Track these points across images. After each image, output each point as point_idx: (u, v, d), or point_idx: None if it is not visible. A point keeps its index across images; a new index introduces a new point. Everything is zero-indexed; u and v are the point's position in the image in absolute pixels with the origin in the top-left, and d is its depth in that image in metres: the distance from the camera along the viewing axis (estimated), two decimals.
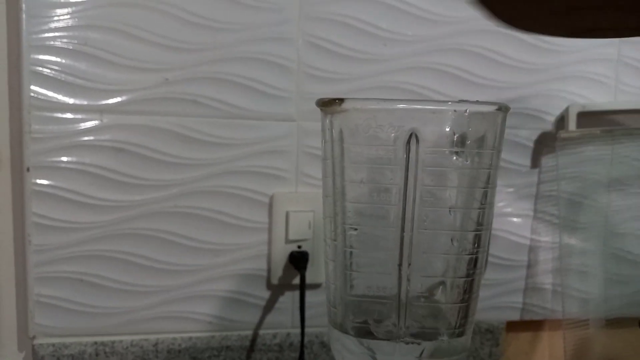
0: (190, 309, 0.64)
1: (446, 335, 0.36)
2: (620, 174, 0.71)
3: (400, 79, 0.67)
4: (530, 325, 0.77)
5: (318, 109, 0.37)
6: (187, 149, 0.62)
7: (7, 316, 0.61)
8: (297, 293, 0.66)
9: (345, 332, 0.37)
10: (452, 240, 0.35)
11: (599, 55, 0.73)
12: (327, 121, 0.36)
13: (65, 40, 0.58)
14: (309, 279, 0.64)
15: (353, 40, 0.65)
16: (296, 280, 0.65)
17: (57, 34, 0.58)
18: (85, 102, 0.59)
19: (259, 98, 0.63)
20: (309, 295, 0.65)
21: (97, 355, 0.61)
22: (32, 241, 0.59)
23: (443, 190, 0.34)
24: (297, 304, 0.64)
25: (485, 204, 0.35)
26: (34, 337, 0.61)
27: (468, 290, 0.36)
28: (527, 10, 0.25)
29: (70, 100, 0.59)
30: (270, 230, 0.65)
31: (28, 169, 0.58)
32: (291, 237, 0.64)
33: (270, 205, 0.65)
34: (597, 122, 0.72)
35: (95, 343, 0.61)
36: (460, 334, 0.36)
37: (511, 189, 0.72)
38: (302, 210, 0.64)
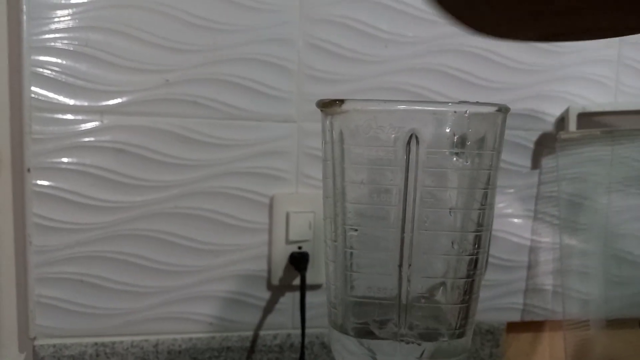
0: (190, 310, 0.64)
1: (446, 336, 0.36)
2: (621, 175, 0.71)
3: (401, 80, 0.67)
4: (530, 326, 0.77)
5: (318, 110, 0.37)
6: (187, 150, 0.62)
7: (8, 317, 0.61)
8: (297, 294, 0.66)
9: (346, 332, 0.37)
10: (452, 241, 0.35)
11: (600, 56, 0.73)
12: (328, 122, 0.36)
13: (65, 41, 0.58)
14: (309, 280, 0.64)
15: (353, 42, 0.65)
16: (297, 281, 0.65)
17: (57, 35, 0.58)
18: (85, 103, 0.59)
19: (260, 99, 0.63)
20: (310, 296, 0.65)
21: (97, 356, 0.61)
22: (33, 242, 0.59)
23: (443, 191, 0.34)
24: (298, 305, 0.64)
25: (486, 204, 0.35)
26: (34, 338, 0.61)
27: (468, 291, 0.36)
28: (499, 17, 0.25)
29: (71, 101, 0.59)
30: (270, 231, 0.65)
31: (29, 170, 0.58)
32: (291, 238, 0.64)
33: (271, 206, 0.65)
34: (598, 123, 0.72)
35: (96, 344, 0.61)
36: (461, 335, 0.36)
37: (511, 190, 0.72)
38: (302, 211, 0.64)
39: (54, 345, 0.60)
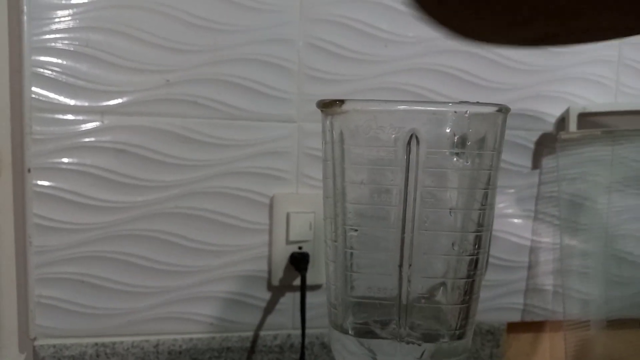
0: (191, 310, 0.64)
1: (447, 336, 0.36)
2: (621, 175, 0.71)
3: (401, 80, 0.67)
4: (531, 327, 0.76)
5: (319, 110, 0.37)
6: (188, 150, 0.62)
7: (8, 317, 0.61)
8: (297, 294, 0.66)
9: (346, 333, 0.37)
10: (452, 241, 0.35)
11: (600, 56, 0.73)
12: (328, 122, 0.36)
13: (66, 41, 0.58)
14: (309, 280, 0.64)
15: (354, 42, 0.65)
16: (297, 282, 0.65)
17: (58, 35, 0.58)
18: (86, 104, 0.59)
19: (260, 99, 0.63)
20: (310, 297, 0.65)
21: (97, 356, 0.61)
22: (33, 242, 0.59)
23: (443, 191, 0.34)
24: (298, 305, 0.64)
25: (486, 205, 0.35)
26: (34, 338, 0.61)
27: (469, 292, 0.36)
28: (483, 22, 0.25)
29: (72, 102, 0.59)
30: (270, 231, 0.65)
31: (29, 170, 0.58)
32: (292, 238, 0.64)
33: (271, 207, 0.65)
34: (598, 123, 0.72)
35: (96, 344, 0.61)
36: (461, 335, 0.36)
37: (512, 190, 0.72)
38: (302, 212, 0.64)
39: (54, 346, 0.61)
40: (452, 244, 0.35)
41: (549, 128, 0.72)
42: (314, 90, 0.64)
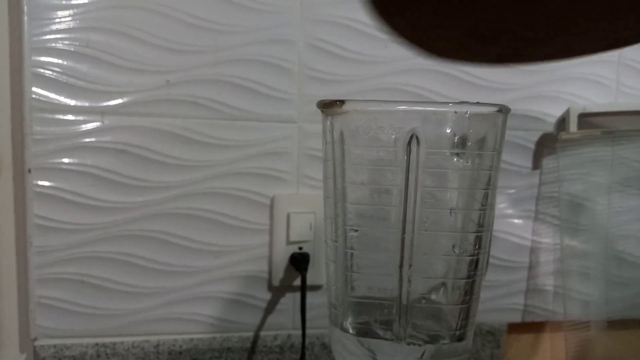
0: (191, 311, 0.64)
1: (447, 336, 0.36)
2: (621, 176, 0.71)
3: (401, 80, 0.67)
4: (531, 327, 0.76)
5: (319, 111, 0.37)
6: (188, 151, 0.62)
7: (9, 317, 0.61)
8: (298, 294, 0.66)
9: (346, 333, 0.37)
10: (452, 241, 0.35)
11: (600, 56, 0.73)
12: (328, 123, 0.36)
13: (66, 42, 0.58)
14: (310, 281, 0.64)
15: (354, 42, 0.65)
16: (297, 282, 0.65)
17: (58, 36, 0.58)
18: (86, 104, 0.59)
19: (260, 100, 0.63)
20: (310, 297, 0.65)
21: (98, 356, 0.61)
22: (34, 243, 0.59)
23: (444, 191, 0.34)
24: (298, 306, 0.64)
25: (486, 205, 0.35)
26: (35, 339, 0.61)
27: (469, 292, 0.36)
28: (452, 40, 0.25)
29: (72, 102, 0.59)
30: (271, 231, 0.65)
31: (29, 171, 0.59)
32: (292, 238, 0.64)
33: (271, 207, 0.65)
34: (598, 123, 0.72)
35: (97, 344, 0.61)
36: (462, 336, 0.36)
37: (512, 191, 0.72)
38: (303, 212, 0.64)
39: (55, 346, 0.61)
40: (453, 245, 0.35)
41: (549, 128, 0.72)
42: (314, 90, 0.64)
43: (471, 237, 0.35)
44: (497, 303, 0.73)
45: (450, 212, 0.35)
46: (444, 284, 0.36)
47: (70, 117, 0.59)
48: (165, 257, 0.63)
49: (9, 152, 0.59)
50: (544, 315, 0.75)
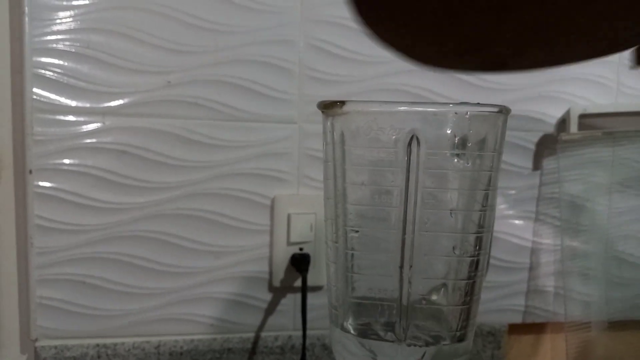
0: (192, 311, 0.64)
1: (448, 337, 0.36)
2: (622, 176, 0.71)
3: (402, 81, 0.67)
4: (532, 328, 0.76)
5: (319, 112, 0.37)
6: (188, 151, 0.62)
7: (10, 318, 0.61)
8: (298, 295, 0.66)
9: (347, 334, 0.37)
10: (453, 242, 0.35)
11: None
12: (329, 123, 0.36)
13: (67, 43, 0.58)
14: (310, 281, 0.64)
15: (354, 43, 0.65)
16: (298, 283, 0.65)
17: (59, 36, 0.58)
18: (87, 105, 0.59)
19: (261, 100, 0.63)
20: (311, 298, 0.65)
21: (99, 357, 0.61)
22: (35, 243, 0.59)
23: (444, 192, 0.34)
24: (299, 307, 0.64)
25: (487, 206, 0.35)
26: (36, 340, 0.61)
27: (469, 293, 0.36)
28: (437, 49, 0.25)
29: (73, 103, 0.59)
30: (271, 232, 0.65)
31: (30, 172, 0.59)
32: (293, 239, 0.64)
33: (272, 208, 0.65)
34: (599, 124, 0.72)
35: (97, 345, 0.61)
36: (462, 337, 0.36)
37: (513, 191, 0.72)
38: (303, 213, 0.64)
39: (56, 347, 0.61)
40: (453, 246, 0.35)
41: (550, 129, 0.72)
42: (314, 91, 0.64)
43: (472, 237, 0.35)
44: (498, 304, 0.73)
45: (451, 213, 0.35)
46: (444, 285, 0.36)
47: (71, 117, 0.59)
48: (166, 257, 0.63)
49: (9, 153, 0.59)
50: (545, 316, 0.75)
